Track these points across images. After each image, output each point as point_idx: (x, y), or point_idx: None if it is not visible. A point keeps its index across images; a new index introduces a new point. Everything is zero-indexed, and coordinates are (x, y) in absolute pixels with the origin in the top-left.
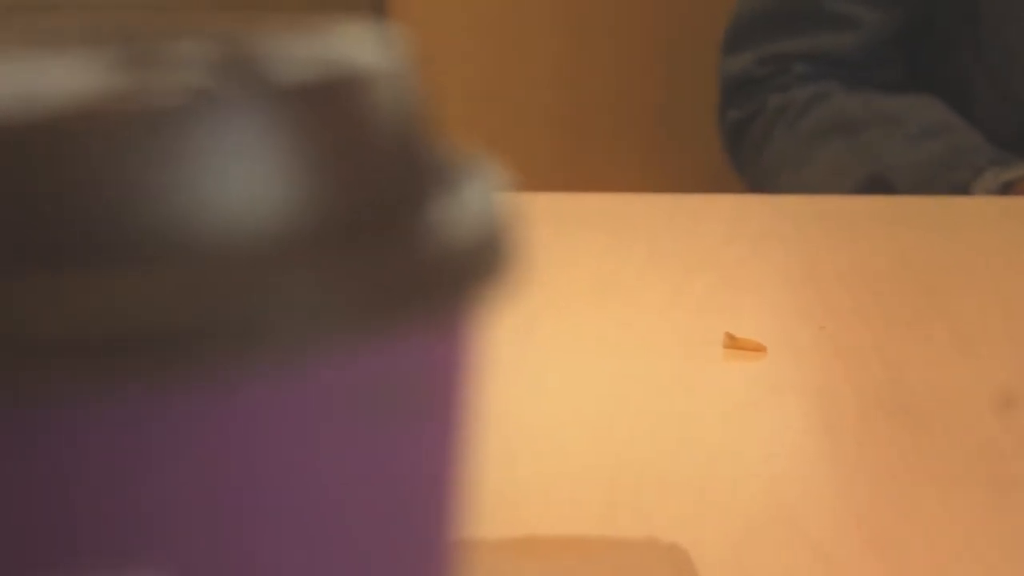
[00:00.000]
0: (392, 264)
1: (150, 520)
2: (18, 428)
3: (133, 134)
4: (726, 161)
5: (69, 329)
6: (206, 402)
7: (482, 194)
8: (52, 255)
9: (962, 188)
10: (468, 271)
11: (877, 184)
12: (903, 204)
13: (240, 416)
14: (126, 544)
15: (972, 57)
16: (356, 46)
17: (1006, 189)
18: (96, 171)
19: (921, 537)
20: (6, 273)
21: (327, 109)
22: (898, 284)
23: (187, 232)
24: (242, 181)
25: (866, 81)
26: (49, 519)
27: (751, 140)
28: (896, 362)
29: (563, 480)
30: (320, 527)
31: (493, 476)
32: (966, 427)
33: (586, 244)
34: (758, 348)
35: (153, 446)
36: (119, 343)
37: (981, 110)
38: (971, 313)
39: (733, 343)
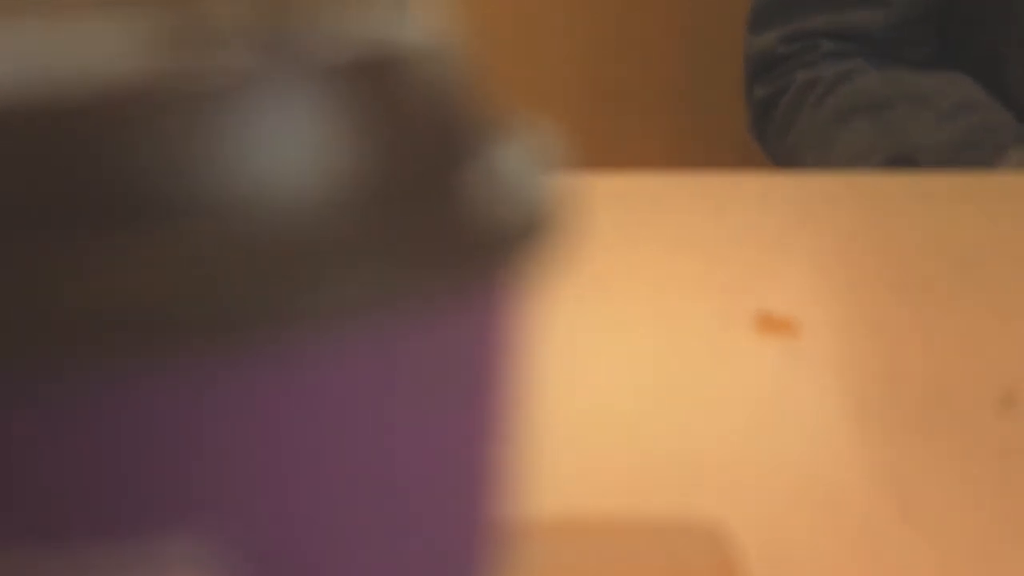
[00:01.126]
0: (436, 236)
1: (203, 490)
2: (71, 400)
3: (180, 111)
4: (754, 139)
5: (122, 300)
6: (256, 373)
7: (526, 165)
8: (105, 230)
9: (985, 167)
10: (513, 242)
11: (901, 162)
12: (935, 180)
13: (289, 387)
14: (179, 513)
15: (1003, 33)
16: (396, 21)
17: None
18: (146, 148)
19: (960, 511)
20: (60, 247)
21: (370, 85)
22: (931, 260)
23: (232, 206)
24: (287, 158)
25: (894, 59)
26: (103, 488)
27: (778, 118)
28: (930, 338)
29: (599, 460)
30: (369, 499)
31: (527, 455)
32: (1002, 404)
33: (615, 223)
34: (790, 326)
35: (206, 416)
36: (168, 314)
37: (1014, 86)
38: (1007, 287)
39: (767, 321)
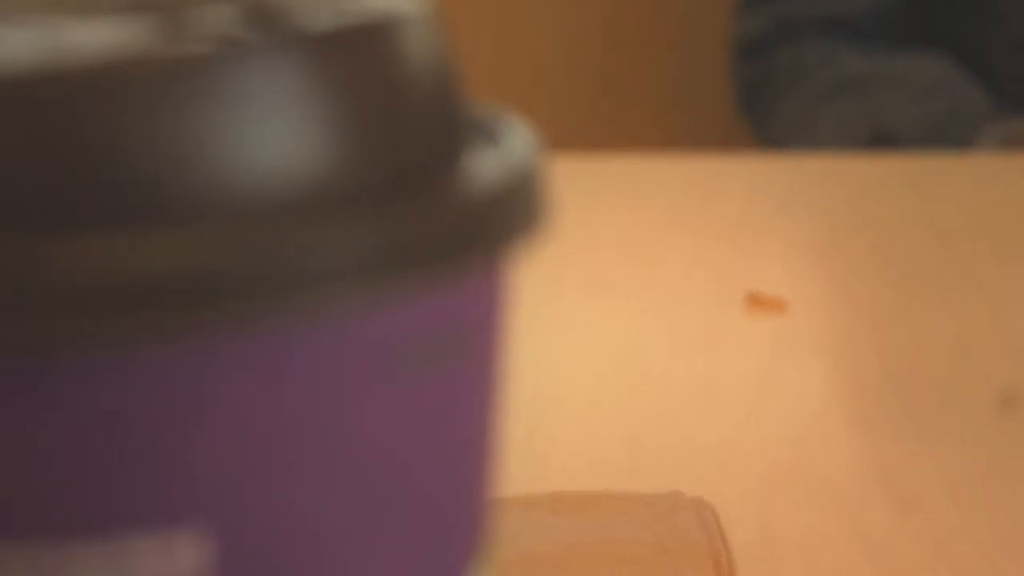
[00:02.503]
0: (427, 214)
1: (194, 478)
2: (59, 384)
3: (165, 86)
4: (743, 119)
5: (109, 282)
6: (248, 355)
7: (513, 146)
8: (89, 210)
9: (962, 144)
10: (502, 222)
11: (881, 141)
12: (926, 163)
13: (280, 369)
14: (170, 503)
15: (992, 22)
16: None
17: (1004, 144)
18: (130, 124)
19: (943, 493)
20: (47, 228)
21: (358, 57)
22: (921, 243)
23: (223, 184)
24: (276, 131)
25: (878, 45)
26: (92, 479)
27: (764, 99)
28: (918, 320)
29: (588, 438)
30: (362, 480)
31: (519, 434)
32: (989, 385)
33: (608, 206)
34: (780, 304)
35: (195, 401)
36: (160, 296)
37: (1002, 73)
38: (995, 271)
39: (755, 300)
